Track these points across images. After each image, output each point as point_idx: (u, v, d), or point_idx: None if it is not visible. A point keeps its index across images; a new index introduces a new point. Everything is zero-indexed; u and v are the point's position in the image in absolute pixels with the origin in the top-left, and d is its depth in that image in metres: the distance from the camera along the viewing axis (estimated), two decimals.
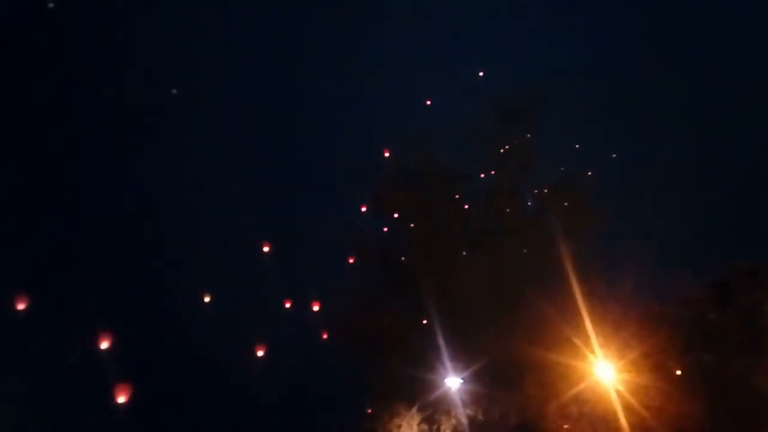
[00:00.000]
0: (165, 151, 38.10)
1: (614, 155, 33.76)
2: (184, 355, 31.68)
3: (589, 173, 29.85)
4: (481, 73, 38.61)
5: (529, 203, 28.98)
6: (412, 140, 30.16)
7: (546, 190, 28.48)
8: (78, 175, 35.63)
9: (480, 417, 26.48)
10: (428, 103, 37.60)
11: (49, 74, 35.59)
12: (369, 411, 27.20)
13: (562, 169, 29.19)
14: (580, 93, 36.78)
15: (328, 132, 41.14)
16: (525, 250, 26.91)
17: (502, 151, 29.12)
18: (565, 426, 23.86)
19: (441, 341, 26.53)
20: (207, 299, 31.41)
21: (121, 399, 23.93)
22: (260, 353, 30.91)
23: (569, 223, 26.78)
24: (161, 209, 36.56)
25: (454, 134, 30.61)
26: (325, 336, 30.61)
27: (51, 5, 37.33)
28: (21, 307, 25.99)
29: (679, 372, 22.66)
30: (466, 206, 29.28)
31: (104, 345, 26.18)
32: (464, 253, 27.29)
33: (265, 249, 34.85)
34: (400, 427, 27.44)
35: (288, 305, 33.43)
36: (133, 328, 28.53)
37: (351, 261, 31.17)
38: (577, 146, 31.12)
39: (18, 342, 28.31)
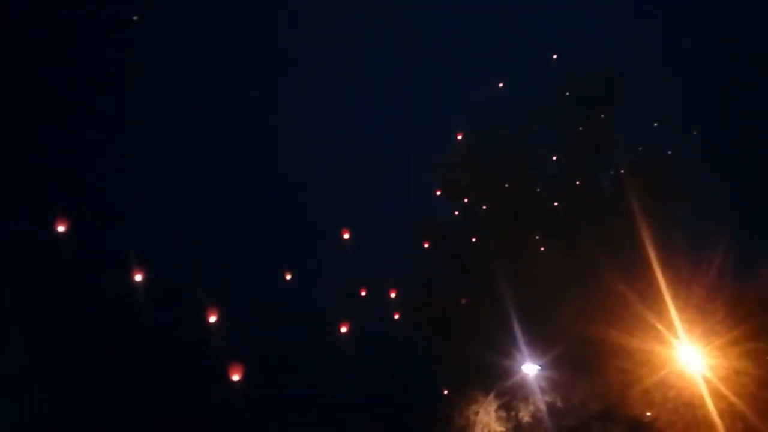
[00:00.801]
0: (246, 140, 39.54)
1: (695, 132, 32.22)
2: (272, 335, 32.80)
3: (670, 152, 28.65)
4: (555, 56, 37.71)
5: (606, 184, 28.08)
6: (485, 123, 29.82)
7: (623, 171, 27.51)
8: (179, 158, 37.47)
9: (559, 404, 25.96)
10: (501, 85, 37.03)
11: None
12: (445, 392, 27.22)
13: (640, 148, 28.11)
14: (658, 69, 35.29)
15: (402, 117, 41.25)
16: (602, 233, 26.05)
17: (576, 132, 28.29)
18: (649, 413, 23.12)
19: (516, 327, 26.17)
20: (288, 277, 32.28)
21: (236, 377, 24.65)
22: (343, 329, 31.71)
23: (649, 203, 25.78)
24: (248, 196, 38.08)
25: (527, 116, 30.03)
26: (401, 321, 30.80)
27: (135, 18, 39.43)
28: (138, 278, 28.18)
29: None
30: (538, 189, 28.69)
31: (212, 319, 27.72)
32: (537, 237, 26.71)
33: (345, 236, 35.63)
34: (477, 413, 27.29)
35: (364, 293, 33.91)
36: (235, 308, 29.93)
37: (426, 246, 31.21)
38: (656, 124, 29.91)
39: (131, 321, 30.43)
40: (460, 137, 31.59)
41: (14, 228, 29.24)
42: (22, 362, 28.03)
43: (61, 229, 27.23)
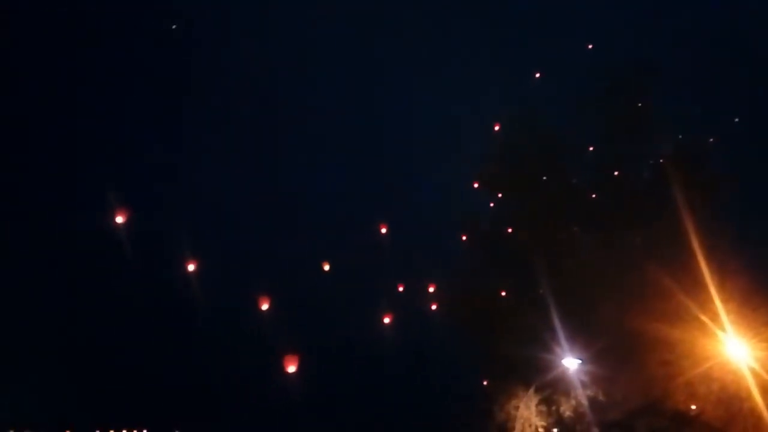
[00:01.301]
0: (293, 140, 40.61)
1: (737, 119, 31.22)
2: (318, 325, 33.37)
3: (711, 139, 27.88)
4: (590, 46, 37.15)
5: (645, 174, 27.48)
6: (522, 115, 29.51)
7: (662, 160, 26.88)
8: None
9: (601, 398, 25.58)
10: (537, 75, 36.66)
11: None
12: (485, 387, 27.12)
13: (680, 136, 27.42)
14: (698, 55, 34.35)
15: (439, 111, 41.33)
16: (642, 223, 25.53)
17: (614, 121, 27.75)
18: (693, 406, 22.61)
19: (556, 320, 25.85)
20: (326, 267, 32.67)
21: (291, 369, 25.17)
22: (386, 320, 31.88)
23: (692, 193, 25.15)
24: (295, 194, 39.12)
25: (565, 107, 29.63)
26: (439, 316, 30.77)
27: (173, 26, 40.86)
28: (192, 268, 29.42)
29: None
30: (575, 180, 28.28)
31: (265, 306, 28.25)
32: (576, 229, 26.34)
33: (383, 230, 35.93)
34: (517, 408, 27.09)
35: (402, 288, 34.03)
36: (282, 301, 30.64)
37: (463, 239, 31.11)
38: (696, 112, 29.12)
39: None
40: (497, 128, 31.26)
41: (78, 219, 30.71)
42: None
43: (119, 220, 27.84)
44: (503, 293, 29.25)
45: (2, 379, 27.11)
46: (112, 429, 28.80)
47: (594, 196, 27.86)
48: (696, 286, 22.17)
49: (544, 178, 28.84)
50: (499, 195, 29.38)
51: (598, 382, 25.48)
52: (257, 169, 39.88)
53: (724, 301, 21.90)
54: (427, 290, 33.62)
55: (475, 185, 31.01)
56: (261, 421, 30.90)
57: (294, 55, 43.52)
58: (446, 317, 31.32)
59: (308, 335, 30.96)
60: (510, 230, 30.16)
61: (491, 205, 30.23)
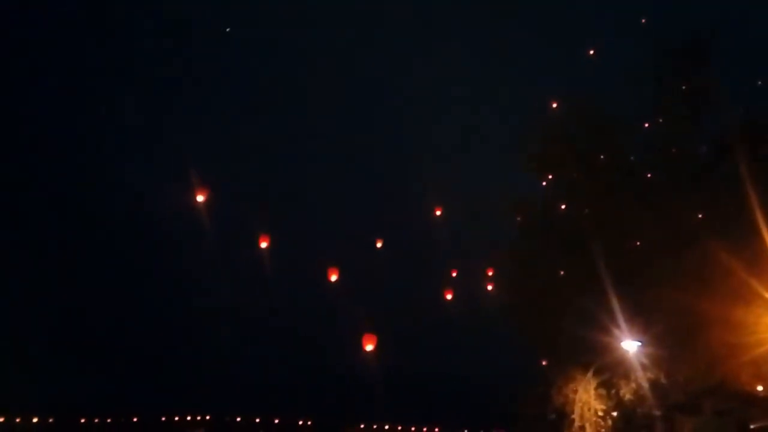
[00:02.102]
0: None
1: None
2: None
3: None
4: (643, 20, 35.80)
5: (705, 149, 26.45)
6: (576, 93, 28.85)
7: (723, 134, 25.78)
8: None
9: (662, 380, 25.01)
10: (591, 52, 35.68)
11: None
12: (543, 370, 26.95)
13: (741, 109, 26.18)
14: (760, 24, 32.62)
15: (490, 90, 41.20)
16: (701, 200, 24.61)
17: (671, 96, 26.78)
18: (759, 387, 21.84)
19: (614, 302, 25.32)
20: (379, 245, 33.05)
21: (369, 347, 25.64)
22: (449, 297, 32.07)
23: (754, 167, 24.07)
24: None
25: (620, 84, 28.75)
26: (495, 299, 30.58)
27: (228, 30, 42.63)
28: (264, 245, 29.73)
29: None
30: (632, 158, 27.51)
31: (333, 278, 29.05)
32: (633, 208, 25.65)
33: (437, 212, 36.03)
34: (576, 392, 26.85)
35: (457, 272, 33.98)
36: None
37: (518, 221, 30.77)
38: (759, 83, 27.68)
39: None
40: (554, 105, 30.38)
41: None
42: None
43: (200, 198, 28.81)
44: (560, 275, 28.85)
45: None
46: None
47: (651, 175, 27.02)
48: (759, 264, 21.32)
49: (601, 156, 28.16)
50: (552, 176, 28.82)
51: (659, 364, 24.90)
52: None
53: None
54: (484, 273, 33.41)
55: (528, 166, 30.47)
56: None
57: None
58: (503, 300, 31.10)
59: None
60: (565, 211, 29.66)
61: (546, 186, 29.72)
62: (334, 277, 28.40)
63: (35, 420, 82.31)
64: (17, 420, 78.39)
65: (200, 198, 27.78)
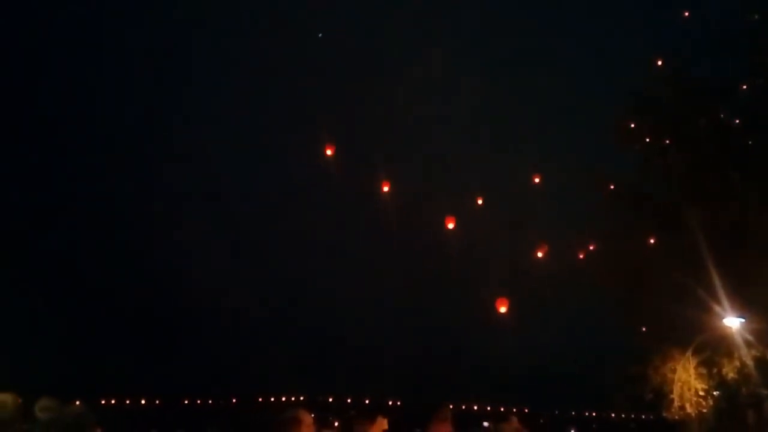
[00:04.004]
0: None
1: None
2: None
3: None
4: None
5: None
6: (666, 55, 27.21)
7: None
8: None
9: None
10: (686, 14, 33.68)
11: None
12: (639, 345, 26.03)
13: None
14: None
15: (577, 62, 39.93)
16: None
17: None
18: None
19: (715, 276, 23.99)
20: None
21: (503, 309, 26.11)
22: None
23: None
24: None
25: (714, 46, 26.99)
26: (586, 276, 29.52)
27: (320, 35, 43.77)
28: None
29: None
30: (730, 124, 25.82)
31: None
32: (732, 178, 24.19)
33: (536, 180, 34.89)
34: (674, 371, 25.76)
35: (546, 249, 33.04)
36: None
37: (608, 197, 29.54)
38: None
39: None
40: (660, 62, 28.51)
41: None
42: None
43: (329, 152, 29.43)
44: (654, 250, 27.56)
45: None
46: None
47: (751, 141, 25.34)
48: None
49: (696, 122, 26.62)
50: (642, 146, 27.49)
51: (765, 340, 23.51)
52: None
53: None
54: (573, 249, 32.30)
55: (618, 140, 29.17)
56: None
57: None
58: (593, 278, 30.02)
59: None
60: (659, 182, 28.30)
61: (635, 156, 28.41)
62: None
63: (143, 402, 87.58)
64: (126, 401, 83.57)
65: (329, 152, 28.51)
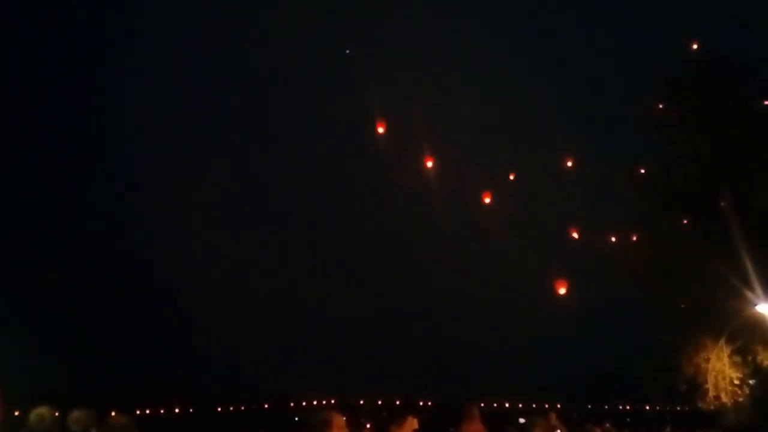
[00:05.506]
0: None
1: None
2: None
3: None
4: None
5: None
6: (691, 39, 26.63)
7: None
8: None
9: None
10: None
11: None
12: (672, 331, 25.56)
13: None
14: None
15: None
16: None
17: None
18: None
19: (748, 263, 23.49)
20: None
21: (562, 291, 26.68)
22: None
23: None
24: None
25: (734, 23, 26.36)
26: (616, 264, 29.02)
27: (347, 51, 43.96)
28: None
29: None
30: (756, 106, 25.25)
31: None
32: (762, 159, 23.68)
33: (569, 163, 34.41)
34: (708, 360, 25.31)
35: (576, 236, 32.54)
36: None
37: (637, 183, 29.00)
38: None
39: None
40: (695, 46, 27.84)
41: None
42: None
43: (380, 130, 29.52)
44: (685, 236, 27.00)
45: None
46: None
47: None
48: None
49: (724, 106, 26.11)
50: (670, 133, 26.96)
51: None
52: None
53: None
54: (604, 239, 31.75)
55: (643, 126, 28.61)
56: None
57: None
58: (623, 266, 29.46)
59: None
60: (688, 168, 27.73)
61: (663, 143, 27.89)
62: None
63: (177, 410, 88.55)
64: (161, 411, 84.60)
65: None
